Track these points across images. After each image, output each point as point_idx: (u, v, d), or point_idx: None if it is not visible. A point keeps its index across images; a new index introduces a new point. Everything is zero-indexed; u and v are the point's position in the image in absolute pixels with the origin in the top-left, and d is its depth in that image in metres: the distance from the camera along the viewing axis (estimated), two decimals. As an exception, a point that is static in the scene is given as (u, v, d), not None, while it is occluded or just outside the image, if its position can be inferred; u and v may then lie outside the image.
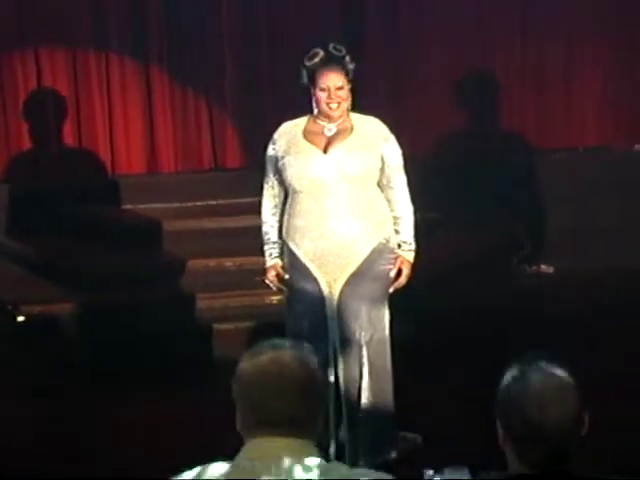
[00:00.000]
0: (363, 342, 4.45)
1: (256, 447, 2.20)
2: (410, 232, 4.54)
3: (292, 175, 4.45)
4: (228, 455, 2.27)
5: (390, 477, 2.27)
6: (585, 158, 8.02)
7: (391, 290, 4.53)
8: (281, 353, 2.23)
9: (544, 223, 7.71)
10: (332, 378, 4.45)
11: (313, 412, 2.24)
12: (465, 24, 7.85)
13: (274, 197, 4.60)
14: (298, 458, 2.17)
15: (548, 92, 8.05)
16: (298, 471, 2.16)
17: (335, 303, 4.44)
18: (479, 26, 7.92)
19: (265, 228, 4.62)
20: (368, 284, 4.44)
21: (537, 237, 7.67)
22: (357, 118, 4.51)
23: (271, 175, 4.58)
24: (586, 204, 7.55)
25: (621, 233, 7.51)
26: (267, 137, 4.77)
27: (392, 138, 4.52)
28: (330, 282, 4.45)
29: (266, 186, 4.62)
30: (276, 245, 4.59)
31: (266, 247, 4.61)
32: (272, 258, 4.59)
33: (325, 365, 4.38)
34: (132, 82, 7.55)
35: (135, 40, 7.51)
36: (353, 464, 4.44)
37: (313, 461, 2.19)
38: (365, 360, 4.45)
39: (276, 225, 4.59)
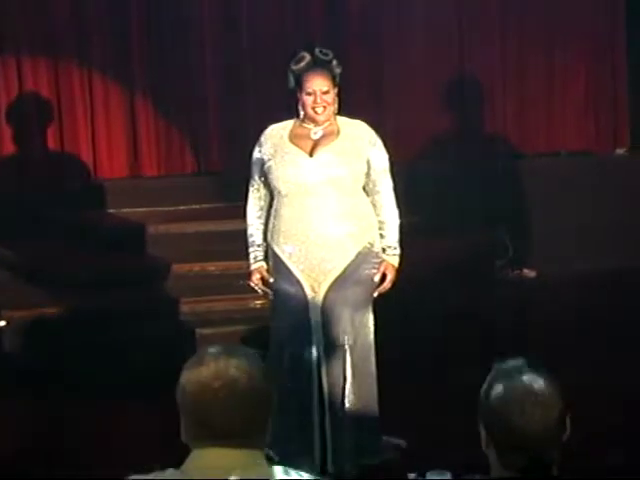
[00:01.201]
0: (347, 346, 4.44)
1: (201, 459, 2.15)
2: (395, 237, 4.54)
3: (278, 178, 4.44)
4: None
5: None
6: (567, 162, 8.05)
7: (375, 294, 4.53)
8: (224, 364, 2.15)
9: (526, 227, 7.74)
10: (316, 380, 4.44)
11: (259, 423, 2.18)
12: (446, 29, 7.89)
13: (259, 200, 4.59)
14: (244, 470, 2.12)
15: (530, 97, 8.09)
16: None
17: (319, 307, 4.43)
18: (460, 31, 7.95)
19: (250, 231, 4.61)
20: (352, 288, 4.44)
21: (520, 241, 7.69)
22: (343, 122, 4.51)
23: (257, 178, 4.57)
24: (568, 208, 7.59)
25: (604, 237, 7.55)
26: (250, 141, 4.76)
27: (378, 142, 4.51)
28: (314, 286, 4.44)
29: (251, 189, 4.61)
30: (261, 248, 4.58)
31: (251, 250, 4.60)
32: (257, 261, 4.58)
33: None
34: (114, 86, 7.53)
35: (117, 45, 7.50)
36: (337, 468, 4.44)
37: (258, 473, 2.14)
38: (349, 364, 4.44)
39: (261, 228, 4.59)
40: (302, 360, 4.42)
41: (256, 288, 4.60)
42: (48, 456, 4.83)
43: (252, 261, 4.59)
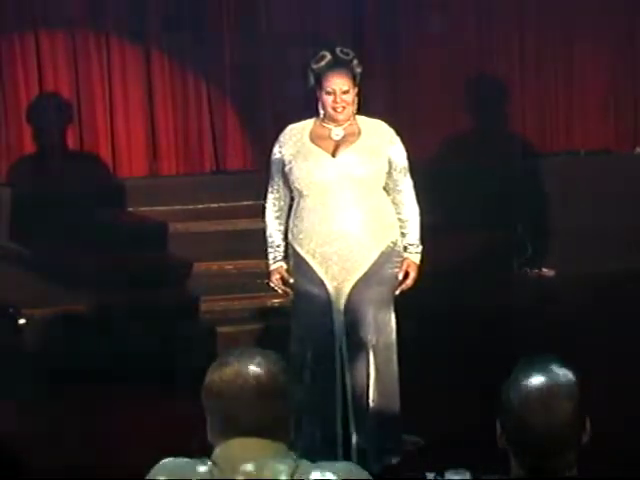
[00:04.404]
0: (370, 346, 4.44)
1: (229, 448, 2.24)
2: (417, 234, 4.55)
3: (300, 179, 4.43)
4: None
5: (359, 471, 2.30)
6: (586, 161, 8.02)
7: (397, 292, 4.53)
8: (246, 363, 2.26)
9: (545, 226, 7.71)
10: (339, 380, 4.44)
11: (282, 417, 2.27)
12: (464, 29, 7.88)
13: (278, 200, 4.59)
14: (271, 458, 2.21)
15: (549, 96, 8.06)
16: (271, 469, 2.20)
17: (342, 306, 4.43)
18: (478, 30, 7.94)
19: (269, 232, 4.61)
20: (376, 287, 4.44)
21: (538, 240, 7.67)
22: (363, 121, 4.50)
23: (276, 178, 4.56)
24: (587, 207, 7.56)
25: (622, 236, 7.51)
26: (268, 140, 4.76)
27: (398, 140, 4.52)
28: (337, 286, 4.43)
29: (270, 189, 4.60)
30: (280, 248, 4.58)
31: (270, 250, 4.60)
32: (276, 261, 4.59)
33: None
34: (134, 85, 7.55)
35: (136, 45, 7.52)
36: (361, 464, 4.42)
37: (286, 460, 2.23)
38: (372, 363, 4.45)
39: (280, 228, 4.59)
40: (325, 359, 4.42)
41: (276, 288, 4.61)
42: (64, 454, 4.84)
43: (271, 261, 4.60)
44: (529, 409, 2.20)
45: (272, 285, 4.62)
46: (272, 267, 4.59)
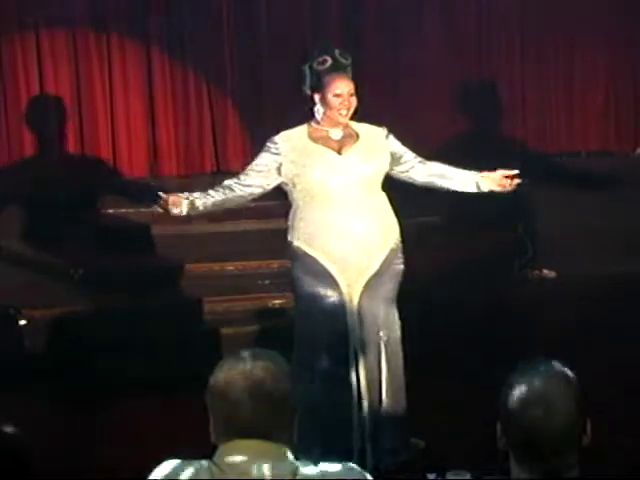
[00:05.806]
0: (382, 342, 4.46)
1: (230, 449, 2.25)
2: (462, 170, 4.62)
3: (308, 181, 4.39)
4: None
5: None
6: (587, 162, 8.03)
7: (509, 188, 4.64)
8: (251, 365, 2.27)
9: (546, 228, 7.71)
10: (354, 379, 4.44)
11: (285, 420, 2.29)
12: (465, 30, 7.88)
13: (240, 187, 4.48)
14: (273, 460, 2.23)
15: (550, 97, 8.07)
16: (272, 471, 2.21)
17: (355, 305, 4.43)
18: (479, 30, 7.94)
19: (199, 194, 4.50)
20: (385, 285, 4.46)
21: (539, 242, 7.66)
22: (356, 125, 4.53)
23: (256, 169, 4.46)
24: (588, 209, 7.56)
25: (623, 237, 7.51)
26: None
27: (387, 132, 4.54)
28: (350, 284, 4.43)
29: (244, 177, 4.49)
30: (197, 201, 4.47)
31: (182, 194, 4.49)
32: (184, 197, 4.47)
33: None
34: (135, 85, 7.57)
35: (137, 46, 7.53)
36: (376, 463, 4.43)
37: (288, 463, 2.24)
38: (384, 360, 4.46)
39: (216, 197, 4.49)
40: (340, 359, 4.41)
41: (161, 203, 4.47)
42: (64, 454, 4.84)
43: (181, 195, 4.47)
44: (529, 411, 2.20)
45: (159, 202, 4.46)
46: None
